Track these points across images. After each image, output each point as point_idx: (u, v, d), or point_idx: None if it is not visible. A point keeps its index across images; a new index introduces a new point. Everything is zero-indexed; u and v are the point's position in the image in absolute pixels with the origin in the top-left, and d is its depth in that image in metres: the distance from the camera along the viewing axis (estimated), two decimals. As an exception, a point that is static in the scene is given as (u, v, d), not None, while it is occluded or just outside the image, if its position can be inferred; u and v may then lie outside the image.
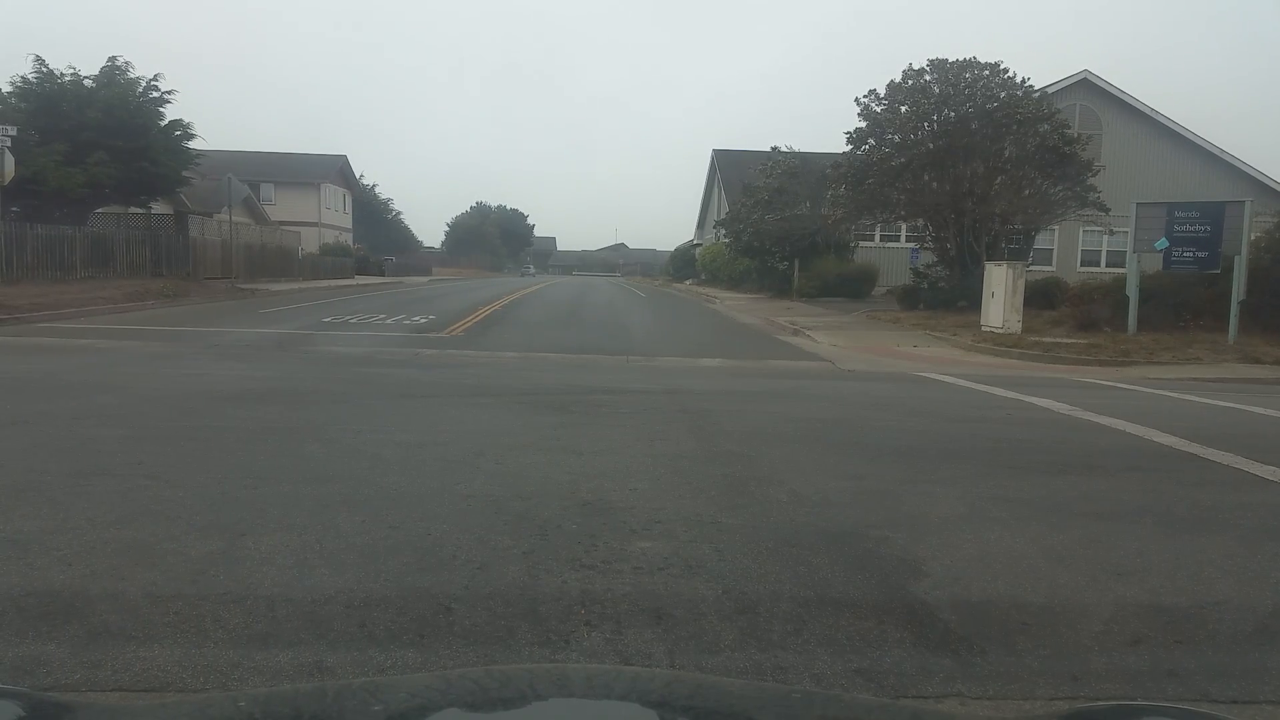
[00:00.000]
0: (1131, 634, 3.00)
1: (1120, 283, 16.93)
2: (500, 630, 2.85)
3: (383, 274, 48.14)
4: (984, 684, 2.62)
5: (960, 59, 21.68)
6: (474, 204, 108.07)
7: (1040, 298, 19.43)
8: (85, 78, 23.85)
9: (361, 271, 46.51)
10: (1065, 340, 15.22)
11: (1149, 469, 5.67)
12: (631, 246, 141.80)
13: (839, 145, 23.54)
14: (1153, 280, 16.63)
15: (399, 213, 76.32)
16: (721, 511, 4.25)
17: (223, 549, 3.47)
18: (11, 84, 23.24)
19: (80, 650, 2.61)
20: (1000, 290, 16.55)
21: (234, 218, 30.02)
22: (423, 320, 18.27)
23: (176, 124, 25.34)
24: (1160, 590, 3.42)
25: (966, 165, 21.35)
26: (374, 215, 68.13)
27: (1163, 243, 15.67)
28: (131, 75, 24.50)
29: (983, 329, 16.68)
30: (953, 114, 21.22)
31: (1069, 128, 22.57)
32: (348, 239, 54.95)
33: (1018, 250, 22.99)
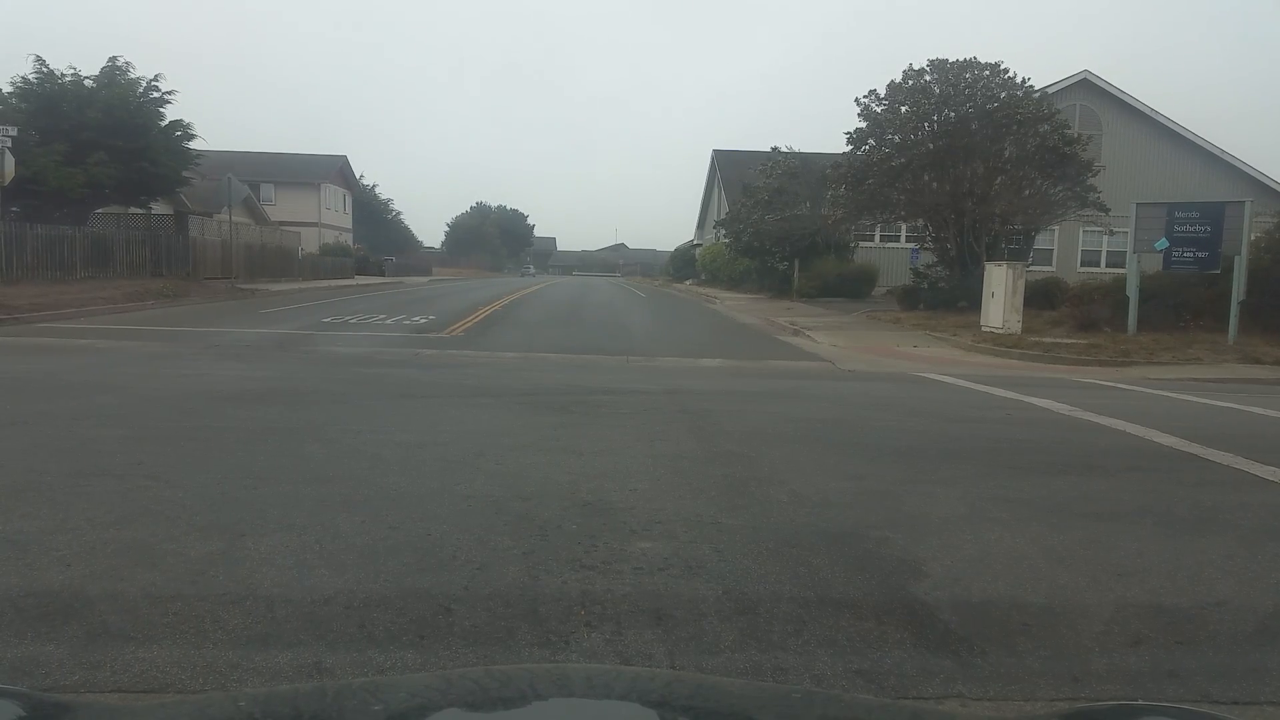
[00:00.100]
0: (1132, 635, 2.99)
1: (1120, 283, 16.93)
2: (500, 631, 2.85)
3: (383, 274, 48.13)
4: (985, 685, 2.61)
5: (960, 59, 21.69)
6: (474, 204, 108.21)
7: (1040, 298, 19.43)
8: (85, 78, 23.84)
9: (361, 272, 46.50)
10: (1065, 340, 15.22)
11: (1149, 469, 5.67)
12: (631, 247, 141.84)
13: (839, 145, 23.57)
14: (1153, 280, 16.62)
15: (399, 213, 76.37)
16: (722, 512, 4.25)
17: (222, 549, 3.47)
18: (12, 84, 23.25)
19: (79, 651, 2.61)
20: (1000, 290, 16.55)
21: (234, 218, 30.01)
22: (423, 320, 18.27)
23: (176, 124, 25.34)
24: (1161, 591, 3.42)
25: (966, 165, 21.34)
26: (374, 215, 68.13)
27: (1163, 243, 15.66)
28: (132, 75, 24.51)
29: (983, 329, 16.68)
30: (953, 114, 21.22)
31: (1069, 128, 22.56)
32: (348, 239, 54.95)
33: (1018, 250, 22.98)
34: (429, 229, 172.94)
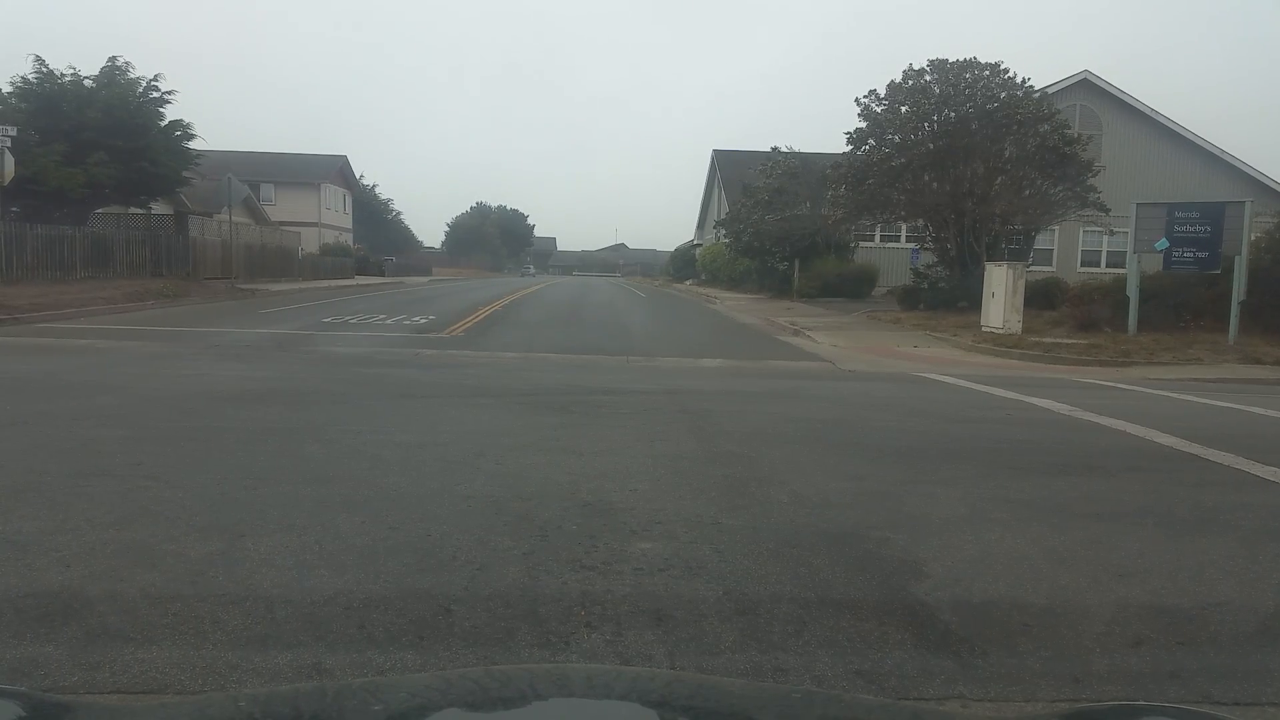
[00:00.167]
0: (1133, 635, 2.99)
1: (1120, 283, 16.93)
2: (500, 632, 2.85)
3: (383, 274, 48.12)
4: (985, 686, 2.61)
5: (960, 59, 21.68)
6: (474, 204, 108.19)
7: (1040, 298, 19.42)
8: (85, 78, 23.84)
9: (361, 272, 46.49)
10: (1065, 341, 15.21)
11: (1150, 470, 5.67)
12: (631, 247, 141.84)
13: (839, 145, 23.57)
14: (1153, 281, 16.62)
15: (399, 213, 76.38)
16: (722, 512, 4.24)
17: (222, 550, 3.46)
18: (11, 84, 23.24)
19: (78, 652, 2.61)
20: (1000, 291, 16.55)
21: (234, 218, 30.01)
22: (423, 320, 18.26)
23: (176, 124, 25.34)
24: (1162, 591, 3.41)
25: (966, 165, 21.34)
26: (374, 215, 68.13)
27: (1163, 243, 15.66)
28: (132, 75, 24.50)
29: (983, 329, 16.68)
30: (953, 114, 21.22)
31: (1069, 128, 22.56)
32: (348, 239, 54.95)
33: (1018, 250, 22.99)
34: (429, 229, 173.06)
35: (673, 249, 68.59)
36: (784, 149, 33.76)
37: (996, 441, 6.59)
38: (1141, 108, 30.93)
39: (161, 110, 24.94)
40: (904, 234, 31.21)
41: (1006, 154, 21.32)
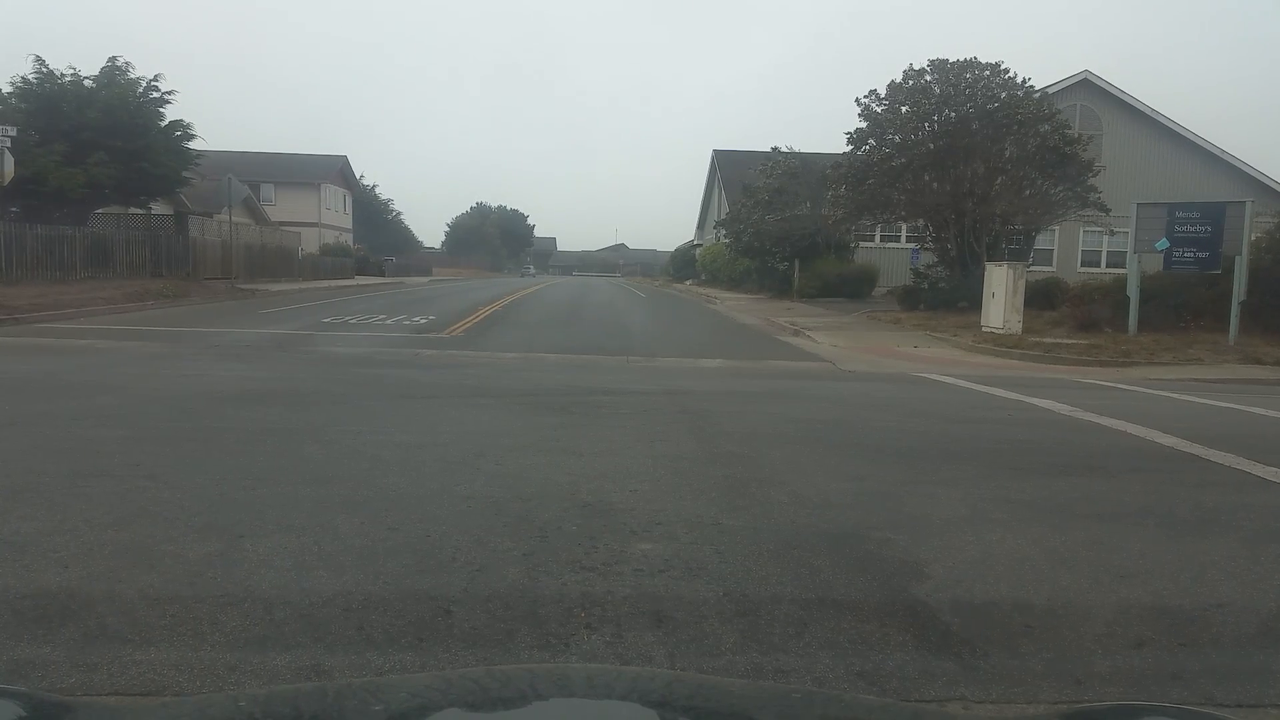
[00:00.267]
0: (1135, 637, 2.98)
1: (1121, 283, 16.92)
2: (500, 633, 2.84)
3: (383, 274, 48.12)
4: (987, 687, 2.60)
5: (961, 59, 21.68)
6: (474, 204, 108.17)
7: (1041, 298, 19.41)
8: (85, 78, 23.83)
9: (361, 272, 46.48)
10: (1066, 341, 15.20)
11: (1151, 470, 5.66)
12: (632, 247, 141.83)
13: (839, 146, 23.56)
14: (1153, 281, 16.61)
15: (399, 213, 76.41)
16: (722, 513, 4.23)
17: (221, 551, 3.45)
18: (11, 84, 23.23)
19: (76, 653, 2.60)
20: (1001, 291, 16.54)
21: (234, 218, 30.01)
22: (423, 321, 18.26)
23: (176, 124, 25.32)
24: (1163, 592, 3.40)
25: (967, 165, 21.33)
26: (374, 215, 68.14)
27: (1163, 243, 15.65)
28: (132, 75, 24.48)
29: (983, 329, 16.67)
30: (953, 114, 21.21)
31: (1069, 128, 22.55)
32: (348, 239, 54.94)
33: (1018, 251, 22.97)
34: (429, 229, 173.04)
35: (673, 249, 68.59)
36: (784, 149, 33.75)
37: (997, 442, 6.58)
38: (1142, 108, 30.92)
39: (161, 110, 24.93)
40: (904, 234, 31.20)
41: (1007, 154, 21.31)
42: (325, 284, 35.29)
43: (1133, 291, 15.92)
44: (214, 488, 4.41)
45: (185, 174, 26.15)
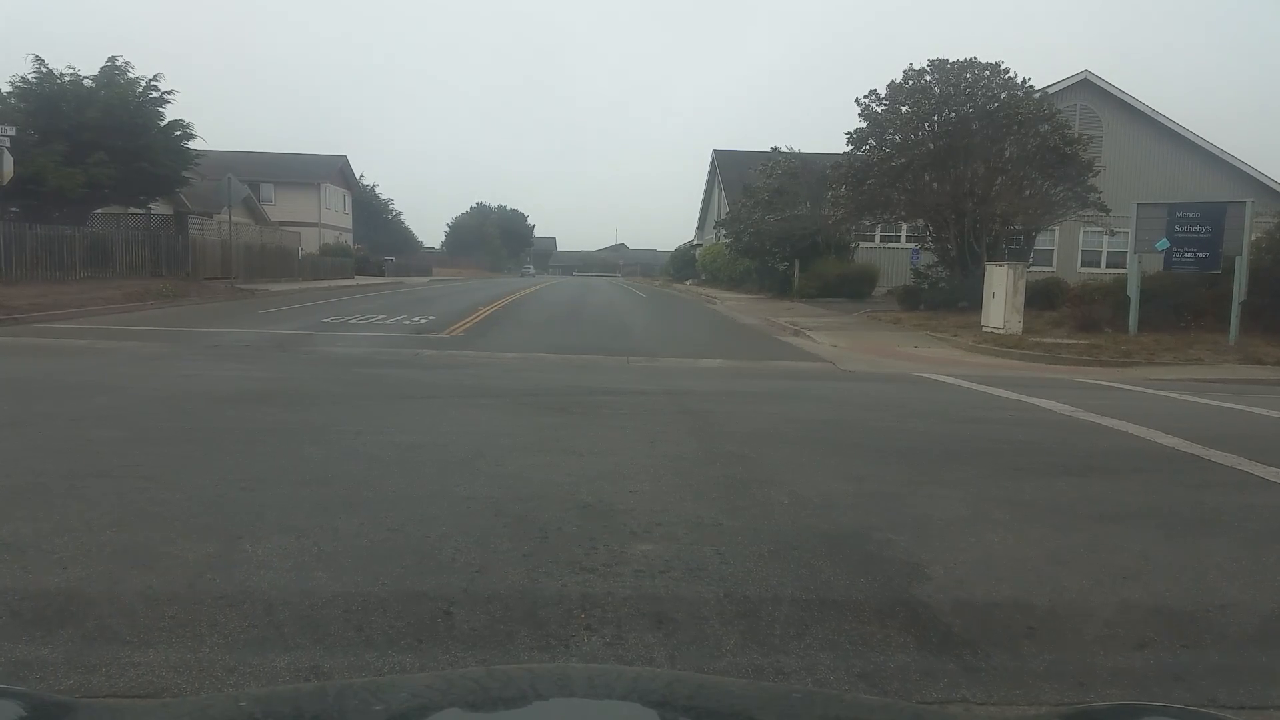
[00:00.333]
0: (1137, 638, 2.97)
1: (1121, 283, 16.91)
2: (499, 634, 2.83)
3: (383, 274, 48.10)
4: (989, 689, 2.59)
5: (961, 59, 21.67)
6: (474, 204, 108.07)
7: (1041, 298, 19.40)
8: (85, 78, 23.82)
9: (361, 272, 46.46)
10: (1066, 341, 15.19)
11: (1152, 470, 5.65)
12: (632, 247, 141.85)
13: (839, 146, 23.56)
14: (1153, 281, 16.60)
15: (399, 213, 76.30)
16: (723, 514, 4.22)
17: (220, 552, 3.44)
18: (11, 84, 23.23)
19: (75, 655, 2.59)
20: (1001, 291, 16.53)
21: (234, 218, 29.99)
22: (423, 321, 18.24)
23: (176, 124, 25.32)
24: (1165, 593, 3.39)
25: (967, 166, 21.32)
26: (374, 215, 68.07)
27: (1164, 243, 15.64)
28: (131, 75, 24.48)
29: (983, 329, 16.66)
30: (953, 114, 21.20)
31: (1069, 128, 22.53)
32: (348, 239, 54.92)
33: (1018, 251, 22.95)
34: (429, 229, 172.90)
35: (673, 249, 68.59)
36: (784, 149, 33.74)
37: (998, 442, 6.57)
38: (1142, 108, 30.91)
39: (161, 110, 24.93)
40: (904, 234, 31.19)
41: (1007, 154, 21.30)
42: (325, 284, 35.28)
43: (1133, 291, 15.91)
44: (213, 489, 4.40)
45: (185, 174, 26.15)
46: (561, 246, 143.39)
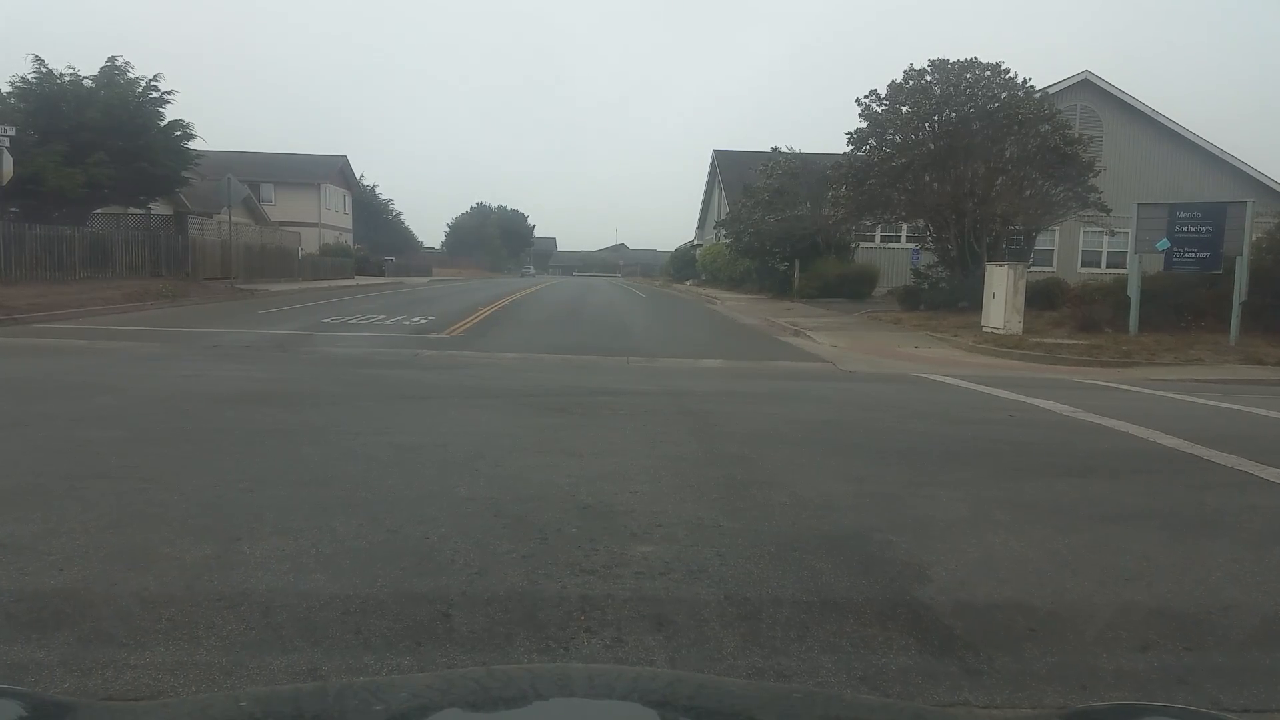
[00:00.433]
0: (1140, 640, 2.95)
1: (1121, 283, 16.90)
2: (499, 637, 2.81)
3: (383, 274, 48.10)
4: (991, 692, 2.57)
5: (961, 59, 21.66)
6: (474, 204, 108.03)
7: (1041, 298, 19.38)
8: (85, 78, 23.82)
9: (361, 272, 46.45)
10: (1066, 341, 15.18)
11: (1153, 471, 5.63)
12: (632, 247, 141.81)
13: (840, 146, 23.54)
14: (1154, 281, 16.58)
15: (399, 213, 76.28)
16: (723, 515, 4.21)
17: (218, 553, 3.43)
18: (10, 84, 23.22)
19: (71, 657, 2.57)
20: (1001, 291, 16.51)
21: (234, 218, 29.98)
22: (422, 321, 18.23)
23: (176, 124, 25.31)
24: (1168, 595, 3.38)
25: (967, 166, 21.31)
26: (374, 215, 68.05)
27: (1164, 243, 15.62)
28: (131, 75, 24.48)
29: (984, 330, 16.64)
30: (954, 114, 21.18)
31: (1070, 128, 22.52)
32: (348, 239, 54.91)
33: (1018, 251, 22.94)
34: (429, 229, 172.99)
35: (673, 249, 68.57)
36: (784, 149, 33.70)
37: (999, 443, 6.55)
38: (1142, 108, 30.90)
39: (161, 110, 24.92)
40: (904, 234, 31.17)
41: (1007, 154, 21.29)
42: (325, 284, 35.27)
43: (1133, 292, 15.90)
44: (211, 490, 4.38)
45: (185, 174, 26.14)
46: (561, 247, 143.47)
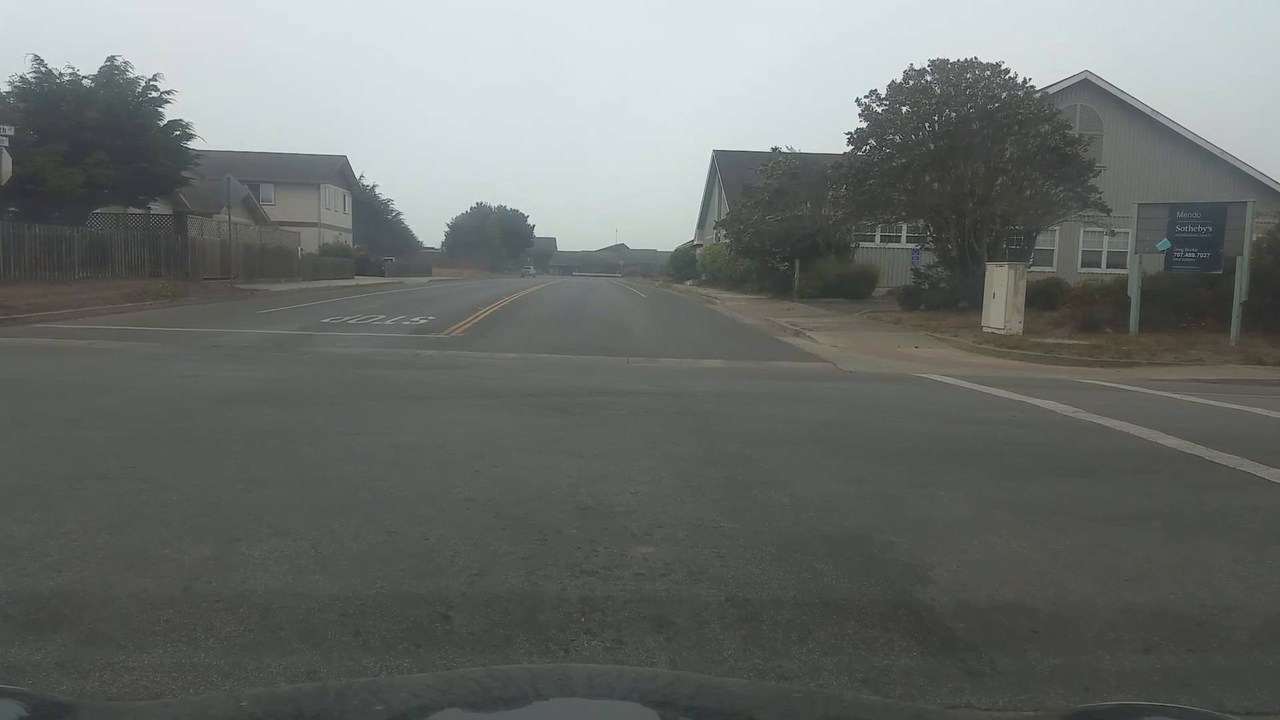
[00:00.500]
0: (1142, 641, 2.94)
1: (1121, 283, 16.89)
2: (499, 638, 2.80)
3: (383, 274, 48.10)
4: (993, 694, 2.56)
5: (961, 59, 21.65)
6: (474, 204, 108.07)
7: (1041, 298, 19.37)
8: (84, 78, 23.81)
9: (361, 272, 46.44)
10: (1067, 341, 15.17)
11: (1154, 471, 5.62)
12: (632, 247, 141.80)
13: (840, 146, 23.53)
14: (1154, 281, 16.58)
15: (399, 213, 76.30)
16: (723, 516, 4.20)
17: (216, 554, 3.41)
18: (10, 84, 23.21)
19: (68, 658, 2.56)
20: (1001, 291, 16.50)
21: (233, 218, 29.99)
22: (422, 321, 18.22)
23: (175, 124, 25.30)
24: (1170, 596, 3.37)
25: (967, 166, 21.30)
26: (374, 215, 68.05)
27: (1164, 243, 15.61)
28: (130, 75, 24.47)
29: (984, 330, 16.63)
30: (954, 114, 21.18)
31: (1070, 128, 22.51)
32: (348, 239, 54.90)
33: (1019, 251, 22.94)
34: (429, 229, 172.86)
35: (673, 249, 68.57)
36: (784, 149, 33.69)
37: (999, 443, 6.54)
38: (1142, 108, 30.89)
39: (160, 110, 24.92)
40: (904, 234, 31.16)
41: (1007, 154, 21.28)
42: (325, 284, 35.25)
43: (1134, 292, 15.89)
44: (210, 490, 4.37)
45: (184, 174, 26.13)
46: (561, 247, 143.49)
